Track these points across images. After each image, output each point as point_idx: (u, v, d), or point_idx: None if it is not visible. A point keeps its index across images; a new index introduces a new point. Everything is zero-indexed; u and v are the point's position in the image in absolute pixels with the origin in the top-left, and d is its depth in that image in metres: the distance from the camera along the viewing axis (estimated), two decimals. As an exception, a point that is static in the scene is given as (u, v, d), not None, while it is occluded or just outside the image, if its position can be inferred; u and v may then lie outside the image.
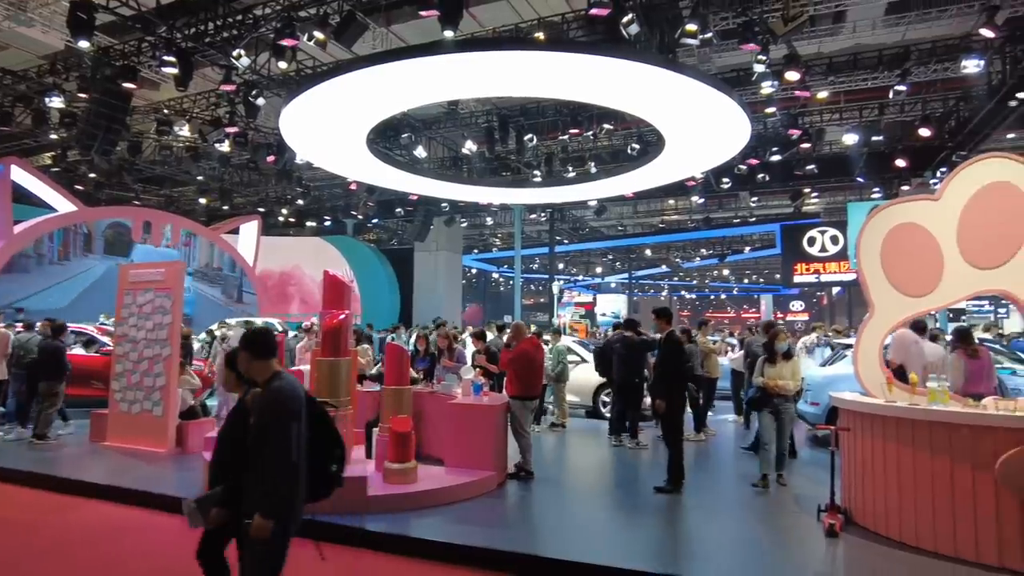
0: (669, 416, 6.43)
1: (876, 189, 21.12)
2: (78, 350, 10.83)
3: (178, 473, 6.97)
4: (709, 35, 10.89)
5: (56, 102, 13.59)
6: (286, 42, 10.69)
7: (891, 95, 13.46)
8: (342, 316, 6.17)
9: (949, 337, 8.44)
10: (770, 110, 15.13)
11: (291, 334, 13.52)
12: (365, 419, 6.88)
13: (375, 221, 28.09)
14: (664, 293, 56.01)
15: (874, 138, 16.46)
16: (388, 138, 17.45)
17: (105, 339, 10.99)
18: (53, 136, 17.30)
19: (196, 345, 11.36)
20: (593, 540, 5.02)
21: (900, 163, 17.59)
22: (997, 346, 9.82)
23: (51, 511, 6.00)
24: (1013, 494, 4.21)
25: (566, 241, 34.10)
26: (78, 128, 14.07)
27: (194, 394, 8.64)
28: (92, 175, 21.34)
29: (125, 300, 8.59)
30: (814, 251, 25.04)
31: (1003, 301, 35.81)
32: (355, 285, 19.64)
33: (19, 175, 15.88)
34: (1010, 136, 18.26)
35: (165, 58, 11.49)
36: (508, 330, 8.93)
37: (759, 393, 6.61)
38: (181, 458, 7.63)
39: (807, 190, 22.62)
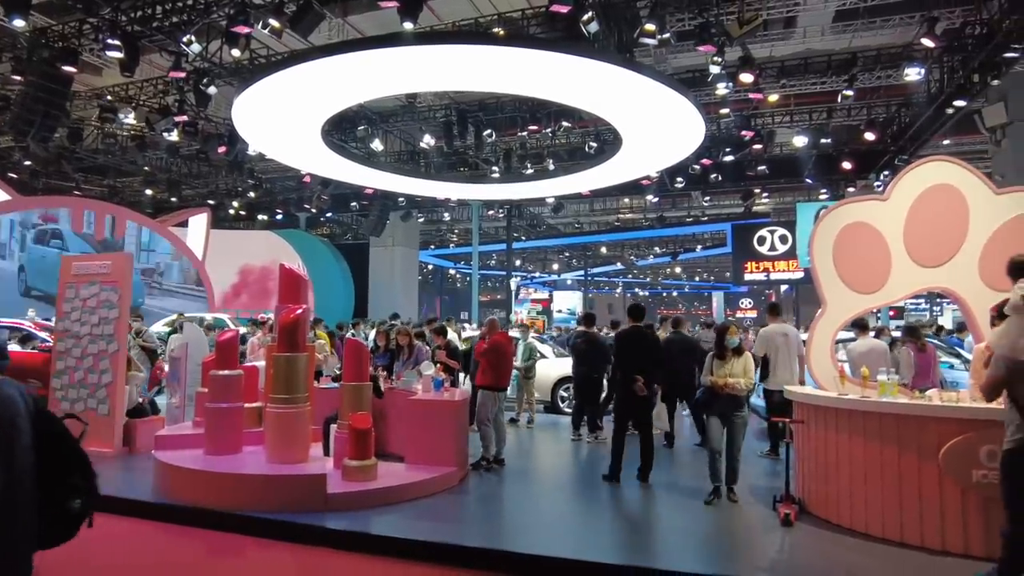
0: (646, 407, 6.58)
1: (824, 190, 21.84)
2: (14, 346, 10.31)
3: (125, 474, 6.71)
4: (667, 35, 11.07)
5: (-13, 84, 12.88)
6: (239, 29, 10.38)
7: (839, 99, 13.90)
8: (299, 311, 6.04)
9: (896, 333, 8.81)
10: (724, 111, 15.47)
11: (243, 329, 13.17)
12: (323, 416, 6.75)
13: (329, 215, 27.60)
14: (618, 290, 56.78)
15: (822, 140, 17.01)
16: (344, 130, 17.16)
17: (43, 334, 10.49)
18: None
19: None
20: (554, 533, 5.04)
21: (846, 165, 18.25)
22: (936, 341, 10.29)
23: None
24: (955, 482, 4.41)
25: (523, 238, 34.23)
26: (12, 112, 13.34)
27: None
28: (28, 163, 20.30)
29: (67, 294, 8.19)
30: (764, 250, 25.69)
31: (938, 299, 37.61)
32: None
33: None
34: (945, 142, 19.13)
35: (109, 41, 10.99)
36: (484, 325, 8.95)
37: (707, 394, 6.00)
38: (129, 458, 7.34)
39: (758, 190, 23.21)
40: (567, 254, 44.67)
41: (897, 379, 5.06)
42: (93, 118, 16.94)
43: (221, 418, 6.16)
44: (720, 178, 19.46)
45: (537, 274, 49.75)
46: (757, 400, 9.24)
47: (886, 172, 18.13)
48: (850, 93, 13.55)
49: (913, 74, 12.28)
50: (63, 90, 13.13)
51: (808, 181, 21.10)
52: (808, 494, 5.43)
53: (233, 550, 4.92)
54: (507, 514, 5.62)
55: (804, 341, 8.46)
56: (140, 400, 8.13)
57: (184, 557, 4.78)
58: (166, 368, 9.90)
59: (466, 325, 18.24)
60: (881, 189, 18.19)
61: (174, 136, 15.49)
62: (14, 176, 20.45)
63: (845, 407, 5.01)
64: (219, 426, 6.16)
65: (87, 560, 4.66)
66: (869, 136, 15.84)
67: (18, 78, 13.25)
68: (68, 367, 7.98)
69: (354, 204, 24.50)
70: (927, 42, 11.19)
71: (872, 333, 7.95)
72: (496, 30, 12.57)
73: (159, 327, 14.18)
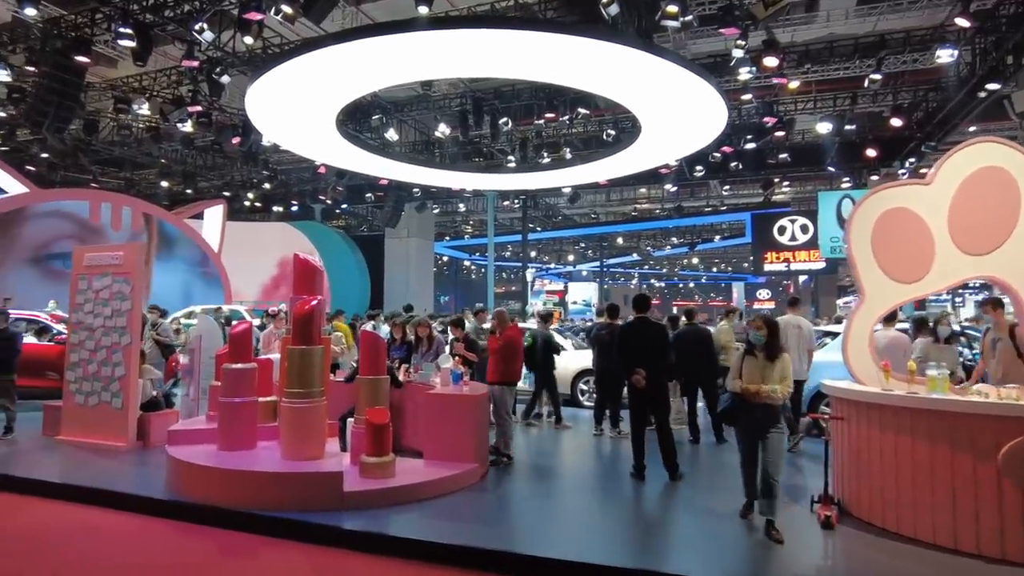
0: (659, 401, 6.31)
1: (846, 179, 21.34)
2: (30, 339, 10.26)
3: (139, 469, 6.57)
4: (689, 18, 10.72)
5: (1, 75, 12.79)
6: (252, 16, 10.18)
7: (867, 83, 13.45)
8: (314, 302, 5.84)
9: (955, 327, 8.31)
10: (746, 97, 15.07)
11: (258, 321, 13.05)
12: (340, 410, 6.57)
13: (344, 207, 27.48)
14: (634, 281, 56.36)
15: (846, 127, 16.54)
16: (358, 120, 16.97)
17: (59, 327, 10.42)
18: (0, 113, 16.41)
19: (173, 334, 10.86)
20: (580, 535, 4.82)
21: (871, 153, 17.77)
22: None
23: (2, 512, 5.58)
24: (1015, 484, 4.12)
25: (539, 229, 33.92)
26: (27, 104, 13.28)
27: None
28: (45, 155, 20.33)
29: (80, 285, 8.08)
30: (784, 240, 25.25)
31: (960, 290, 36.81)
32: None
33: (-36, 154, 14.99)
34: (972, 129, 18.56)
35: (121, 31, 10.84)
36: (491, 317, 8.70)
37: (734, 403, 4.94)
38: (143, 453, 7.21)
39: (778, 179, 22.75)
40: (583, 245, 44.30)
41: (947, 374, 4.74)
42: (108, 110, 16.87)
43: (234, 413, 5.99)
44: (740, 166, 19.05)
45: (552, 265, 49.44)
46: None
47: (912, 159, 17.66)
48: (878, 77, 13.08)
49: (945, 56, 11.82)
50: (76, 81, 13.03)
51: (831, 169, 20.63)
52: (848, 495, 5.14)
53: (246, 550, 4.75)
54: (529, 514, 5.39)
55: (839, 334, 8.21)
56: (154, 393, 7.99)
57: (195, 557, 4.61)
58: (182, 360, 9.80)
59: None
60: (906, 176, 17.79)
61: (188, 127, 15.36)
62: (32, 169, 20.50)
63: (891, 403, 4.72)
64: (232, 421, 5.98)
65: (98, 559, 4.52)
66: (895, 122, 15.36)
67: (32, 69, 13.20)
68: (82, 360, 7.88)
69: (369, 195, 24.35)
70: (961, 22, 10.77)
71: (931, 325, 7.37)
72: (513, 15, 12.29)
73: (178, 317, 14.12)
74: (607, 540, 4.77)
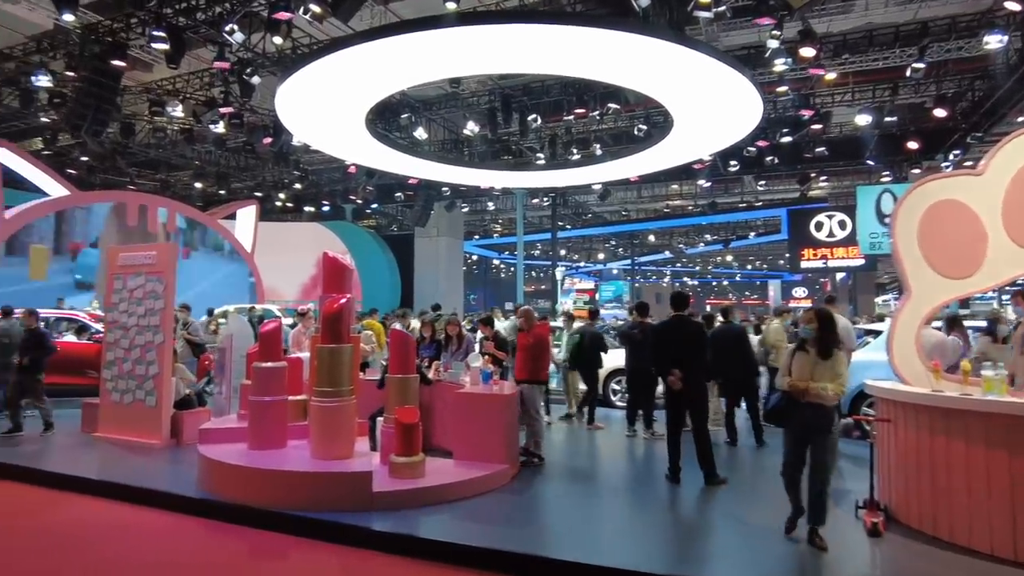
0: (697, 402, 6.11)
1: (886, 172, 20.69)
2: (70, 337, 10.49)
3: (172, 466, 6.62)
4: (723, 8, 10.48)
5: (43, 81, 13.15)
6: (281, 16, 10.24)
7: (908, 73, 12.97)
8: (343, 300, 5.80)
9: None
10: (781, 89, 14.67)
11: (289, 320, 13.16)
12: (370, 409, 6.52)
13: (374, 206, 27.66)
14: (666, 279, 55.70)
15: (886, 119, 16.01)
16: (387, 119, 17.00)
17: (98, 326, 10.62)
18: (44, 119, 16.85)
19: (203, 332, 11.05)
20: (613, 540, 4.69)
21: (912, 145, 17.17)
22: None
23: (42, 507, 5.66)
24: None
25: (568, 227, 33.66)
26: (67, 108, 13.61)
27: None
28: (85, 159, 20.87)
29: (115, 284, 8.20)
30: (821, 236, 24.64)
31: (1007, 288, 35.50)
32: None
33: (9, 158, 15.41)
34: (1021, 119, 17.83)
35: (155, 34, 11.02)
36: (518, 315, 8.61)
37: (784, 402, 4.61)
38: (176, 450, 7.28)
39: (814, 174, 22.19)
40: (613, 243, 43.87)
41: (1004, 375, 4.47)
42: (144, 113, 17.20)
43: (265, 411, 5.99)
44: (776, 161, 18.60)
45: (582, 264, 49.10)
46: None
47: (956, 151, 17.04)
48: (921, 66, 12.60)
49: (993, 42, 11.36)
50: (113, 85, 13.31)
51: (870, 163, 20.02)
52: (896, 501, 4.90)
53: (275, 550, 4.72)
54: (561, 517, 5.27)
55: (881, 332, 7.92)
56: (187, 392, 8.07)
57: (225, 556, 4.59)
58: (214, 359, 9.90)
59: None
60: (950, 169, 17.17)
61: (220, 128, 15.58)
62: (72, 172, 21.05)
63: (942, 405, 4.47)
64: (263, 420, 5.98)
65: (131, 557, 4.53)
66: (938, 113, 14.81)
67: (71, 74, 13.50)
68: (117, 358, 7.99)
69: (398, 194, 24.44)
70: (1012, 5, 10.31)
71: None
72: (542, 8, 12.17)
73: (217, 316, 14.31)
74: (641, 545, 4.62)
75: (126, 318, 7.99)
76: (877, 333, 8.69)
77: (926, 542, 4.46)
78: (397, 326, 7.85)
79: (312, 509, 5.00)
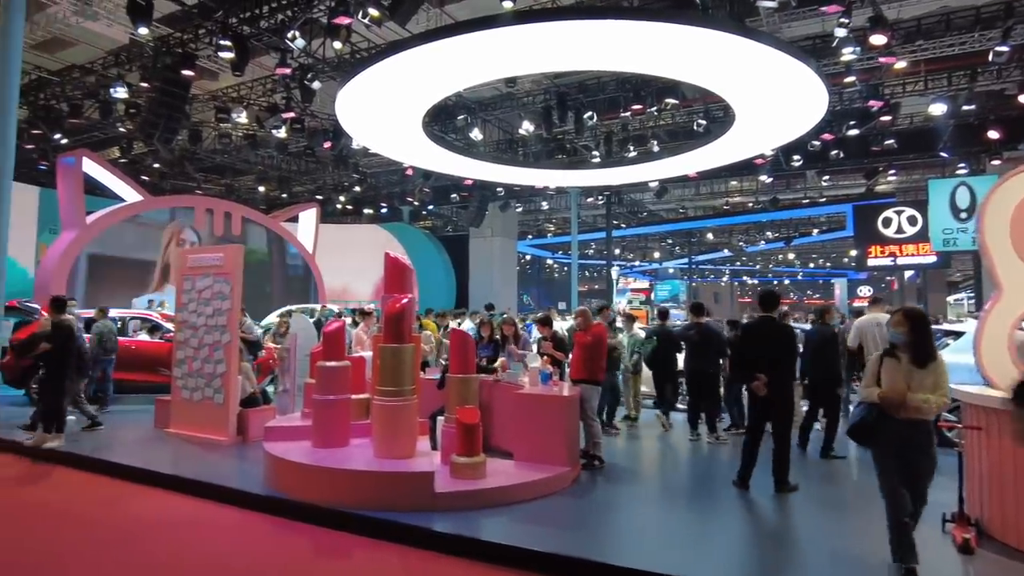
0: (782, 410, 5.84)
1: (962, 164, 19.58)
2: (143, 336, 10.95)
3: (239, 463, 6.80)
4: (787, -2, 10.12)
5: (120, 92, 13.85)
6: (340, 20, 10.44)
7: (991, 58, 12.23)
8: (405, 300, 5.82)
9: None
10: (849, 80, 14.06)
11: (349, 320, 13.41)
12: (430, 408, 6.54)
13: (430, 207, 27.99)
14: (725, 279, 54.41)
15: (964, 108, 15.15)
16: (443, 121, 17.14)
17: (169, 325, 11.05)
18: (120, 128, 17.69)
19: (258, 330, 11.29)
20: (678, 547, 4.55)
21: (993, 135, 16.19)
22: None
23: (115, 500, 5.89)
24: None
25: (623, 225, 33.23)
26: (141, 117, 14.26)
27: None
28: (156, 165, 21.85)
29: (185, 285, 8.50)
30: (890, 233, 23.47)
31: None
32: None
33: (90, 166, 16.26)
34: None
35: (222, 43, 11.45)
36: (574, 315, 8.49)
37: (871, 413, 3.93)
38: (242, 447, 7.48)
39: (882, 168, 21.22)
40: (669, 241, 43.11)
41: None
42: (210, 120, 17.87)
43: (328, 410, 6.07)
44: (842, 155, 17.86)
45: (637, 263, 48.41)
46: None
47: (1042, 140, 16.00)
48: (1004, 49, 11.85)
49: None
50: (183, 93, 13.87)
51: (943, 155, 18.99)
52: (988, 515, 4.57)
53: (338, 549, 4.75)
54: (624, 522, 5.14)
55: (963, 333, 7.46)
56: (252, 390, 8.28)
57: (289, 554, 4.65)
58: (278, 358, 10.16)
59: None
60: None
61: (282, 133, 16.04)
62: (145, 179, 22.08)
63: (1042, 412, 4.16)
64: (326, 418, 6.07)
65: (199, 551, 4.63)
66: (1023, 99, 13.91)
67: (145, 85, 14.13)
68: (187, 356, 8.27)
69: (454, 196, 24.66)
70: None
71: None
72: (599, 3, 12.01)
73: (272, 318, 14.72)
74: (707, 553, 4.46)
75: (195, 318, 8.27)
76: (958, 334, 8.21)
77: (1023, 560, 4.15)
78: (455, 324, 7.86)
79: (374, 508, 5.02)
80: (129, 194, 17.55)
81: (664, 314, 9.59)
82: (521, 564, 4.30)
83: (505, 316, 9.10)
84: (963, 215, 18.73)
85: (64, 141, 17.52)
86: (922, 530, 4.65)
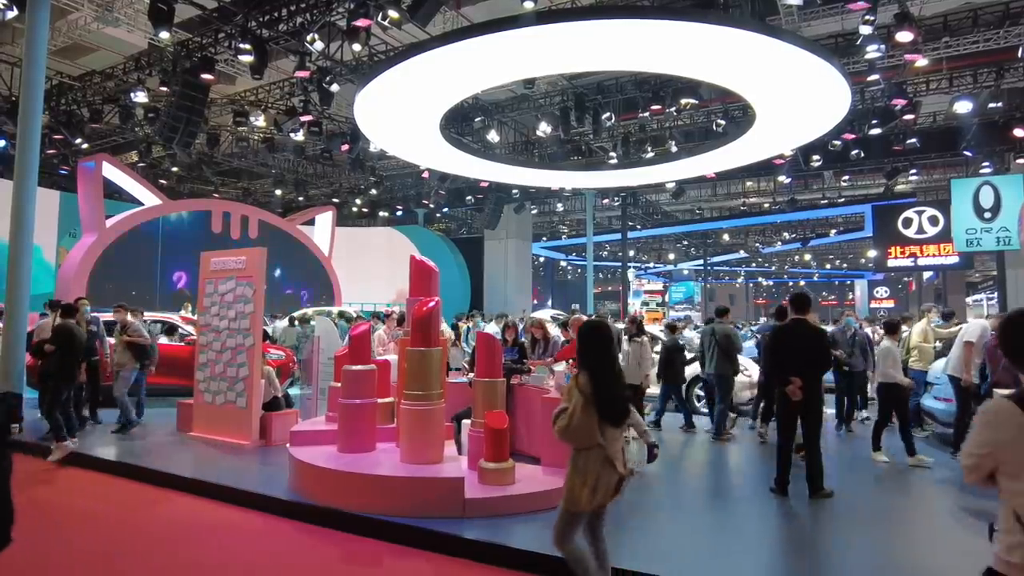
0: (817, 414, 5.74)
1: (986, 163, 19.27)
2: (161, 339, 10.94)
3: (262, 467, 6.74)
4: (813, -6, 9.98)
5: (140, 97, 13.94)
6: (360, 23, 10.42)
7: (1020, 54, 12.01)
8: (432, 303, 5.75)
9: None
10: (872, 78, 13.86)
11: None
12: (453, 411, 6.46)
13: (445, 210, 27.99)
14: (740, 280, 54.02)
15: (990, 105, 14.89)
16: (459, 123, 17.11)
17: (188, 328, 11.04)
18: (139, 131, 17.82)
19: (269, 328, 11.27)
20: (713, 555, 4.43)
21: (1019, 133, 15.90)
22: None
23: (140, 505, 5.86)
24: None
25: (639, 227, 33.07)
26: (160, 121, 14.34)
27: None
28: (175, 169, 22.00)
29: (207, 289, 8.48)
30: (910, 233, 23.16)
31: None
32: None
33: (109, 171, 16.39)
34: None
35: (241, 46, 11.50)
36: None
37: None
38: (265, 451, 7.43)
39: (903, 167, 20.94)
40: (685, 243, 42.84)
41: None
42: (228, 124, 17.95)
43: (354, 414, 6.00)
44: (863, 154, 17.62)
45: (652, 264, 48.15)
46: (934, 402, 8.11)
47: (1069, 138, 15.70)
48: (1033, 45, 11.65)
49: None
50: (202, 97, 13.94)
51: (967, 154, 18.70)
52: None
53: (366, 556, 4.68)
54: (656, 530, 5.02)
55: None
56: (276, 393, 8.24)
57: (316, 561, 4.58)
58: (297, 360, 10.13)
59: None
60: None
61: (300, 136, 16.08)
62: (164, 183, 22.25)
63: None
64: (352, 422, 5.99)
65: (224, 557, 4.58)
66: (1051, 97, 13.66)
67: (165, 89, 14.22)
68: (209, 360, 8.24)
69: (469, 198, 24.64)
70: None
71: None
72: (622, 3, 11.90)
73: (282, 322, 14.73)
74: (742, 564, 4.34)
75: (217, 321, 8.24)
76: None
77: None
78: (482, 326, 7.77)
79: (403, 514, 4.95)
80: (148, 198, 17.68)
81: (722, 312, 9.06)
82: (554, 573, 4.20)
83: (532, 318, 9.00)
84: (987, 215, 18.42)
85: (84, 146, 17.68)
86: (966, 538, 4.54)
